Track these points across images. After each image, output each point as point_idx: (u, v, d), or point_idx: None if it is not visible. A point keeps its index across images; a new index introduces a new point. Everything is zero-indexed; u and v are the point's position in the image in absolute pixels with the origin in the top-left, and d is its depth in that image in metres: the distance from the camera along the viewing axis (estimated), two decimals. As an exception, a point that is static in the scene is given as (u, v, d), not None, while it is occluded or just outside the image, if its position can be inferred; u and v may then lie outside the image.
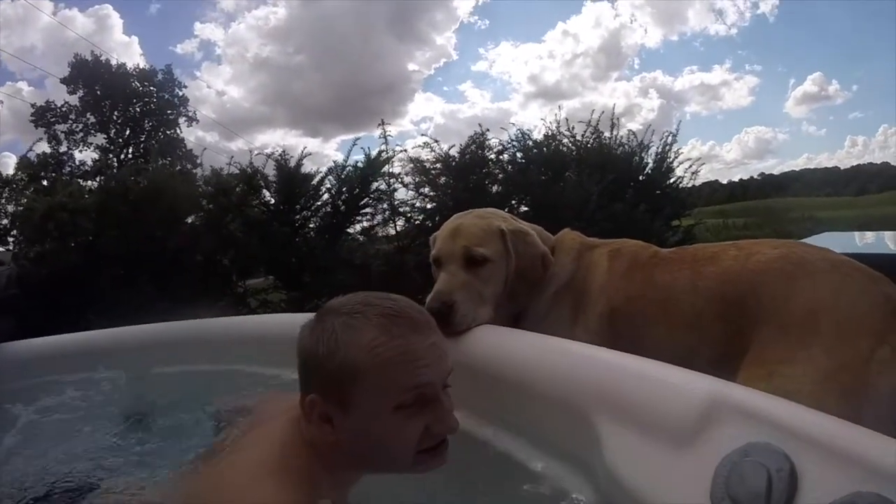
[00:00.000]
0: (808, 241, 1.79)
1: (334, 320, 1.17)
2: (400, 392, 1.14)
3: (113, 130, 39.00)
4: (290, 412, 1.26)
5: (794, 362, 1.40)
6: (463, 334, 1.71)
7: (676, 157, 7.30)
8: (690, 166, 7.37)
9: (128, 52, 55.64)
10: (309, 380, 1.20)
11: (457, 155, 7.11)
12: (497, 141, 7.30)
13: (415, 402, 1.15)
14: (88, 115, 38.31)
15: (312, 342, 1.18)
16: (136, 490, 1.41)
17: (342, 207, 6.97)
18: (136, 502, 1.37)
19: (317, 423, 1.17)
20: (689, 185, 7.53)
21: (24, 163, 7.32)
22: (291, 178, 6.75)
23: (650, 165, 7.28)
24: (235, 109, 67.20)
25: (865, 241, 4.77)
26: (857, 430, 0.90)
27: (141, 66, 41.04)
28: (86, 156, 35.18)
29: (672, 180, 7.31)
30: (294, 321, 1.36)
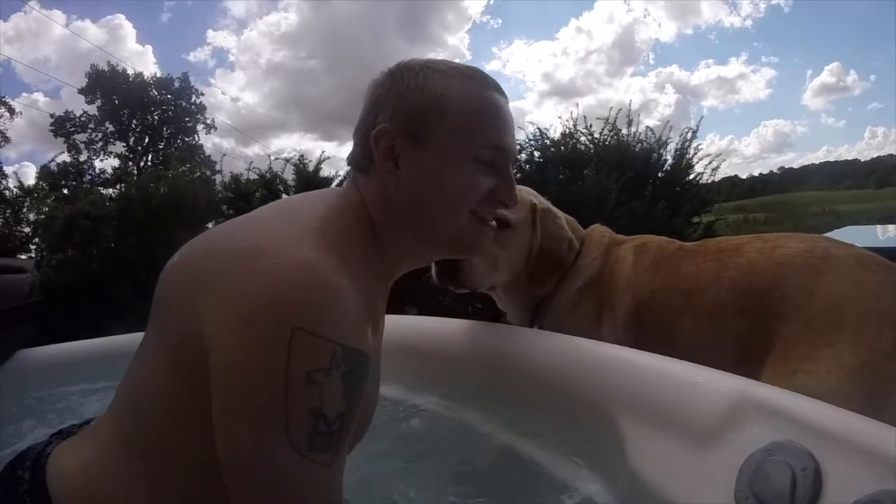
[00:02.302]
0: (830, 235, 1.77)
1: (418, 65, 1.10)
2: (483, 144, 1.08)
3: (132, 139, 39.43)
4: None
5: (818, 359, 1.37)
6: (460, 329, 1.72)
7: (696, 153, 7.22)
8: (710, 162, 7.27)
9: (142, 61, 56.51)
10: (378, 114, 1.07)
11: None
12: (514, 139, 7.28)
13: (490, 161, 1.09)
14: (107, 123, 38.78)
15: (392, 81, 1.08)
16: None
17: (363, 210, 6.94)
18: None
19: (381, 157, 1.06)
20: (709, 181, 7.42)
21: (44, 172, 7.44)
22: (310, 183, 6.76)
23: (669, 162, 7.20)
24: (250, 115, 67.81)
25: (888, 234, 4.71)
26: (882, 427, 0.89)
27: (157, 74, 41.62)
28: (106, 164, 35.81)
29: (692, 176, 7.23)
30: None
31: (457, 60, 1.20)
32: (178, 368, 0.87)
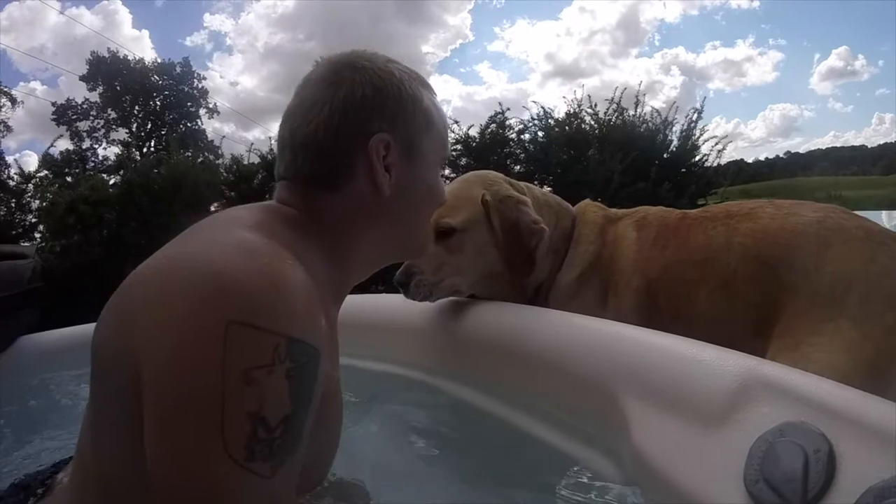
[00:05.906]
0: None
1: (393, 66, 1.06)
2: (447, 152, 1.20)
3: (135, 125, 39.60)
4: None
5: (822, 333, 1.37)
6: (465, 309, 1.76)
7: (702, 135, 7.16)
8: (716, 144, 7.22)
9: (139, 47, 56.56)
10: (367, 120, 1.01)
11: (477, 136, 7.05)
12: (518, 120, 7.24)
13: (444, 163, 1.22)
14: (109, 110, 38.90)
15: (373, 79, 1.02)
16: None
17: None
18: None
19: (378, 167, 1.02)
20: (715, 164, 7.38)
21: (47, 160, 7.41)
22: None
23: (674, 143, 7.15)
24: (250, 98, 68.05)
25: (894, 220, 4.69)
26: (900, 408, 0.85)
27: (157, 60, 41.62)
28: (109, 152, 35.83)
29: (697, 158, 7.18)
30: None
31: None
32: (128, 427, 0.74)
